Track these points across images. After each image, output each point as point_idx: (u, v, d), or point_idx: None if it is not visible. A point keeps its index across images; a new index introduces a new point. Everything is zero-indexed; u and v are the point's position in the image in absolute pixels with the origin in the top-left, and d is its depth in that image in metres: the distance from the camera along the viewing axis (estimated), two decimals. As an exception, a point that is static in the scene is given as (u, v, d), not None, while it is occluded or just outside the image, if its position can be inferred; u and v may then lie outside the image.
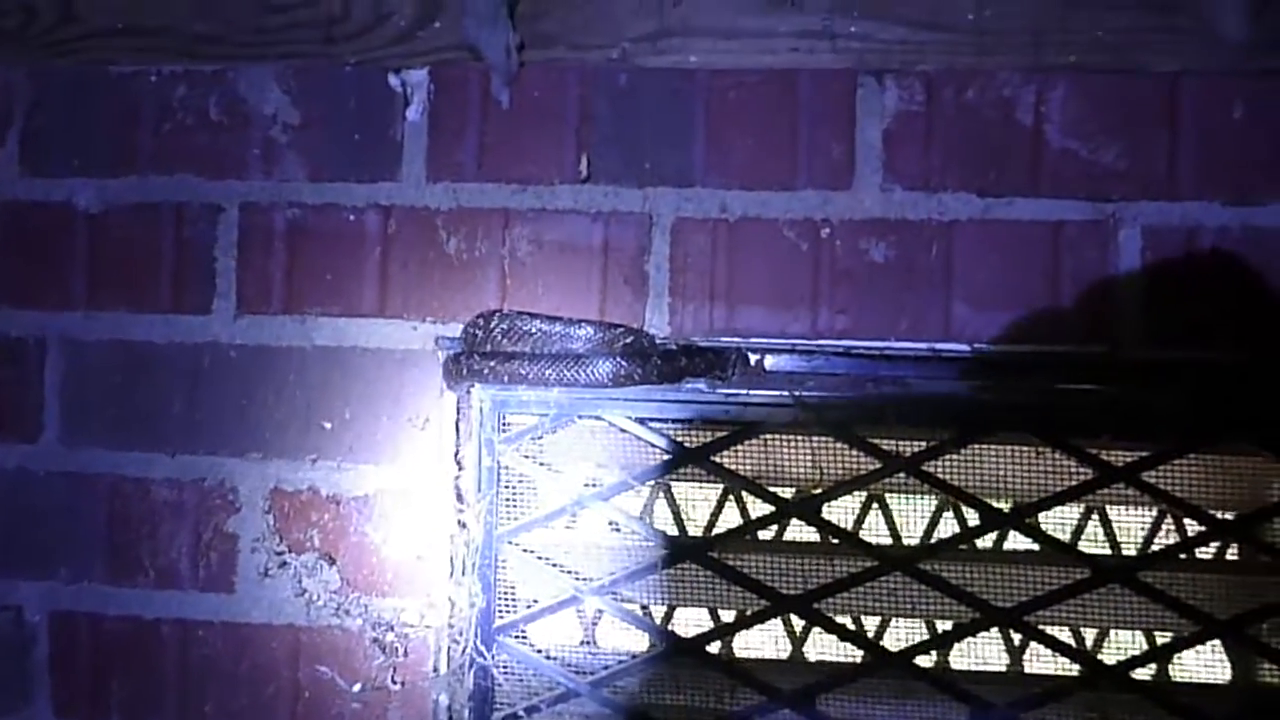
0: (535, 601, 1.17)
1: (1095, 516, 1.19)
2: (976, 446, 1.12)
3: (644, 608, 1.19)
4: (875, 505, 1.20)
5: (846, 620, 1.15)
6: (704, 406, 1.12)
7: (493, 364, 1.10)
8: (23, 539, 1.24)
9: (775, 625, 1.19)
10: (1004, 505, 1.13)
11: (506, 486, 1.15)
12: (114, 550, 1.22)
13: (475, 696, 1.14)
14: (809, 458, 1.15)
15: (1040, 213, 1.12)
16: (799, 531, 1.18)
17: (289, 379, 1.20)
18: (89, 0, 1.24)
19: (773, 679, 1.14)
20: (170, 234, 1.23)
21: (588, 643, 1.21)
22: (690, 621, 1.23)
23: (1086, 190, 1.11)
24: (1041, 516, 1.12)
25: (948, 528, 1.18)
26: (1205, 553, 1.14)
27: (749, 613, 1.15)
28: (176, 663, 1.21)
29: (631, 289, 1.16)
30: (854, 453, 1.12)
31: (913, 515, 1.20)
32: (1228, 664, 1.17)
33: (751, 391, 1.11)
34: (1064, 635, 1.15)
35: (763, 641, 1.23)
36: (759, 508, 1.15)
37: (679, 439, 1.13)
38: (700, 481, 1.21)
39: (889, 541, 1.19)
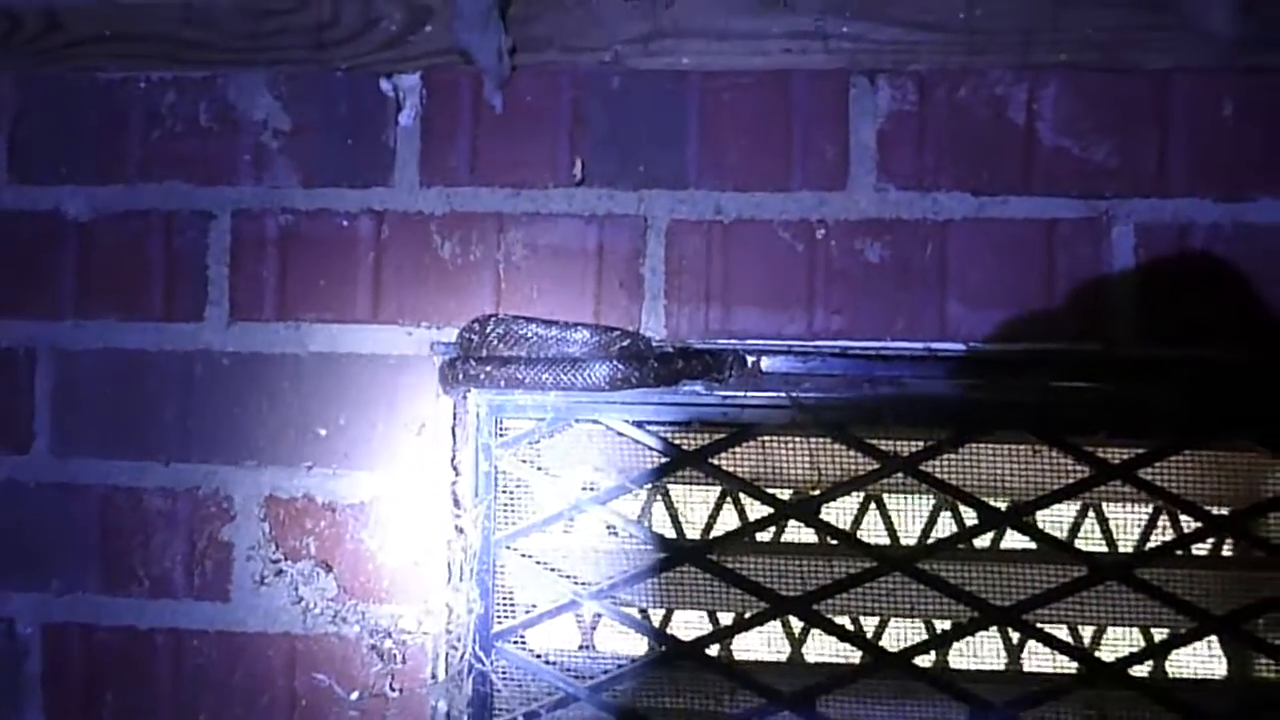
0: (533, 607, 1.17)
1: (1091, 514, 1.20)
2: (973, 446, 1.12)
3: (642, 611, 1.19)
4: (873, 505, 1.20)
5: (845, 621, 1.15)
6: (701, 409, 1.12)
7: (489, 368, 1.10)
8: (14, 550, 1.22)
9: (773, 627, 1.18)
10: (1001, 504, 1.13)
11: (504, 491, 1.15)
12: (107, 560, 1.21)
13: (474, 703, 1.14)
14: (806, 459, 1.15)
15: (1034, 211, 1.12)
16: (797, 533, 1.18)
17: (283, 386, 1.19)
18: (74, 9, 1.23)
19: (772, 681, 1.13)
20: (161, 241, 1.22)
21: (586, 647, 1.21)
22: (688, 624, 1.23)
23: (1079, 188, 1.12)
24: (1038, 514, 1.12)
25: (945, 527, 1.18)
26: (1201, 549, 1.14)
27: (748, 615, 1.14)
28: (171, 673, 1.20)
29: (627, 292, 1.16)
30: (851, 453, 1.12)
31: (910, 515, 1.20)
32: (1223, 660, 1.17)
33: (748, 393, 1.11)
34: (1061, 633, 1.15)
35: (761, 644, 1.23)
36: (757, 510, 1.14)
37: (676, 442, 1.13)
38: (697, 484, 1.21)
39: (886, 542, 1.19)
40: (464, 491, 1.16)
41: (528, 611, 1.16)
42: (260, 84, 1.21)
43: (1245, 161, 1.10)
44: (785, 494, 1.15)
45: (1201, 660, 1.16)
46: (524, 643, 1.17)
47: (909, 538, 1.19)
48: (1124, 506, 1.19)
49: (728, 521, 1.20)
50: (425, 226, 1.18)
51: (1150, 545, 1.16)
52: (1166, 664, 1.16)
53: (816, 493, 1.13)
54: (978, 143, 1.13)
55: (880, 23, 1.14)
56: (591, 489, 1.17)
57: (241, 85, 1.21)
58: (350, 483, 1.18)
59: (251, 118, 1.21)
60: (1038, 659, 1.17)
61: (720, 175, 1.15)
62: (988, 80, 1.13)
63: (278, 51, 1.20)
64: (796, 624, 1.21)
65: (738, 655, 1.21)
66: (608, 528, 1.19)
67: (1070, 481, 1.10)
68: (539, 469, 1.16)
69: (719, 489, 1.21)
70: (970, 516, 1.13)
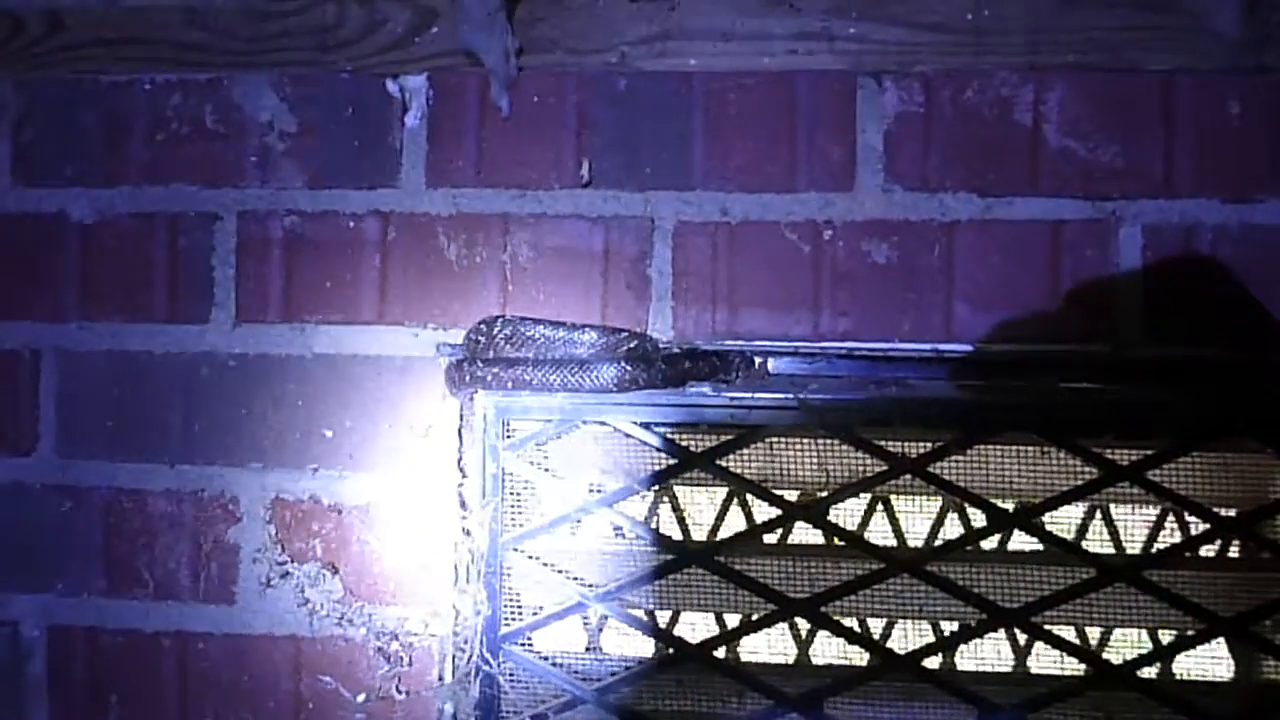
0: (540, 609, 1.17)
1: (1098, 516, 1.20)
2: (980, 447, 1.12)
3: (649, 613, 1.18)
4: (879, 507, 1.20)
5: (852, 623, 1.15)
6: (708, 410, 1.12)
7: (496, 370, 1.10)
8: (19, 553, 1.22)
9: (780, 628, 1.18)
10: (1009, 505, 1.13)
11: (511, 493, 1.15)
12: (112, 563, 1.21)
13: (481, 705, 1.14)
14: (814, 460, 1.15)
15: (1040, 212, 1.12)
16: (804, 535, 1.18)
17: (289, 388, 1.19)
18: (78, 11, 1.23)
19: (778, 683, 1.13)
20: (166, 244, 1.21)
21: (593, 649, 1.21)
22: (694, 626, 1.22)
23: (1086, 189, 1.12)
24: (1044, 516, 1.12)
25: (952, 529, 1.18)
26: (1208, 550, 1.14)
27: (755, 617, 1.14)
28: (176, 676, 1.20)
29: (633, 293, 1.16)
30: (858, 455, 1.12)
31: (917, 517, 1.20)
32: (1230, 661, 1.17)
33: (755, 394, 1.11)
34: (1068, 635, 1.15)
35: (767, 645, 1.23)
36: (763, 511, 1.14)
37: (683, 443, 1.13)
38: (704, 485, 1.21)
39: (893, 543, 1.19)
40: (471, 493, 1.15)
41: (535, 614, 1.16)
42: (265, 86, 1.21)
43: (1252, 162, 1.10)
44: (792, 495, 1.15)
45: (1208, 662, 1.16)
46: (530, 645, 1.17)
47: (916, 539, 1.19)
48: (1131, 508, 1.19)
49: (734, 523, 1.20)
50: (431, 228, 1.18)
51: (1157, 547, 1.16)
52: (1173, 666, 1.16)
53: (824, 494, 1.13)
54: (984, 144, 1.13)
55: (886, 24, 1.13)
56: (598, 491, 1.17)
57: (246, 87, 1.21)
58: (356, 485, 1.18)
59: (256, 119, 1.21)
60: (1044, 660, 1.18)
61: (726, 176, 1.15)
62: (994, 81, 1.13)
63: (282, 53, 1.20)
64: (803, 626, 1.21)
65: (744, 657, 1.21)
66: (614, 529, 1.19)
67: (1078, 483, 1.10)
68: (546, 471, 1.16)
69: (725, 490, 1.21)
70: (978, 518, 1.13)
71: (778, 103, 1.15)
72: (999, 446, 1.13)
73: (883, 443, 1.11)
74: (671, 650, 1.14)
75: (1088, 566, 1.10)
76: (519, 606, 1.16)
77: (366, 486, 1.18)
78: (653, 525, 1.20)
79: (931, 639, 1.15)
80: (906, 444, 1.12)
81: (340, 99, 1.20)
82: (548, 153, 1.17)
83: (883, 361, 1.12)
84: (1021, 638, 1.18)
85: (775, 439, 1.15)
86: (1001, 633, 1.16)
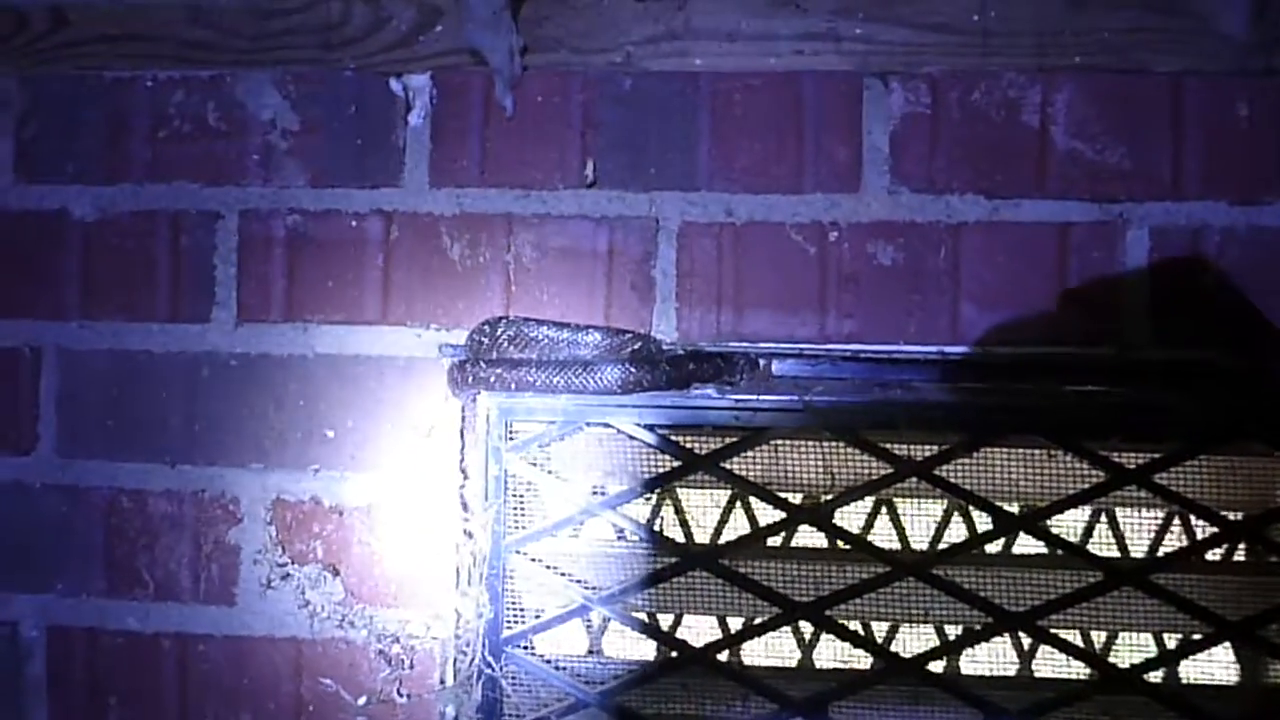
0: (541, 612, 1.16)
1: (1104, 519, 1.19)
2: (986, 450, 1.11)
3: (651, 616, 1.18)
4: (883, 510, 1.20)
5: (856, 627, 1.14)
6: (712, 412, 1.11)
7: (499, 371, 1.09)
8: (18, 553, 1.21)
9: (782, 632, 1.17)
10: (1014, 508, 1.12)
11: (513, 495, 1.14)
12: (112, 563, 1.20)
13: (483, 708, 1.13)
14: (818, 463, 1.14)
15: (1047, 214, 1.11)
16: (808, 538, 1.17)
17: (290, 388, 1.18)
18: (81, 7, 1.22)
19: (781, 687, 1.12)
20: (167, 242, 1.21)
21: (595, 652, 1.20)
22: (696, 629, 1.22)
23: (1093, 191, 1.11)
24: (1049, 519, 1.11)
25: (956, 532, 1.17)
26: (1215, 554, 1.14)
27: (758, 620, 1.14)
28: (176, 677, 1.19)
29: (638, 294, 1.15)
30: (864, 457, 1.12)
31: (921, 520, 1.20)
32: (1235, 665, 1.17)
33: (760, 397, 1.10)
34: (1073, 638, 1.14)
35: (764, 648, 1.22)
36: (767, 514, 1.14)
37: (688, 445, 1.12)
38: (707, 488, 1.21)
39: (897, 547, 1.19)
40: (473, 495, 1.15)
41: (537, 616, 1.15)
42: (268, 84, 1.20)
43: (1260, 165, 1.10)
44: (797, 498, 1.15)
45: (1212, 665, 1.16)
46: (532, 648, 1.16)
47: (920, 542, 1.18)
48: (1137, 511, 1.18)
49: (737, 526, 1.20)
50: (435, 227, 1.17)
51: (1163, 550, 1.15)
52: (1178, 669, 1.15)
53: (830, 497, 1.12)
54: (991, 145, 1.12)
55: (892, 24, 1.13)
56: (601, 493, 1.17)
57: (249, 85, 1.20)
58: (358, 486, 1.17)
59: (259, 118, 1.20)
60: (1048, 664, 1.17)
61: (732, 177, 1.14)
62: (1001, 83, 1.12)
63: (286, 51, 1.19)
64: (806, 629, 1.20)
65: (747, 660, 1.20)
66: (617, 532, 1.18)
67: (1085, 486, 1.09)
68: (548, 472, 1.15)
69: (728, 493, 1.21)
70: (984, 521, 1.12)
71: (784, 103, 1.14)
72: (1005, 449, 1.12)
73: (888, 445, 1.10)
74: (674, 653, 1.14)
75: (1094, 570, 1.09)
76: (521, 609, 1.15)
77: (368, 488, 1.17)
78: (655, 528, 1.19)
79: (935, 642, 1.14)
80: (912, 447, 1.12)
81: (343, 97, 1.19)
82: (552, 152, 1.16)
83: (888, 364, 1.12)
84: (1026, 641, 1.17)
85: (779, 441, 1.15)
86: (1006, 636, 1.16)
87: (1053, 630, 1.10)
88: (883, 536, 1.18)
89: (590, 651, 1.20)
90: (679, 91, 1.15)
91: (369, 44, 1.18)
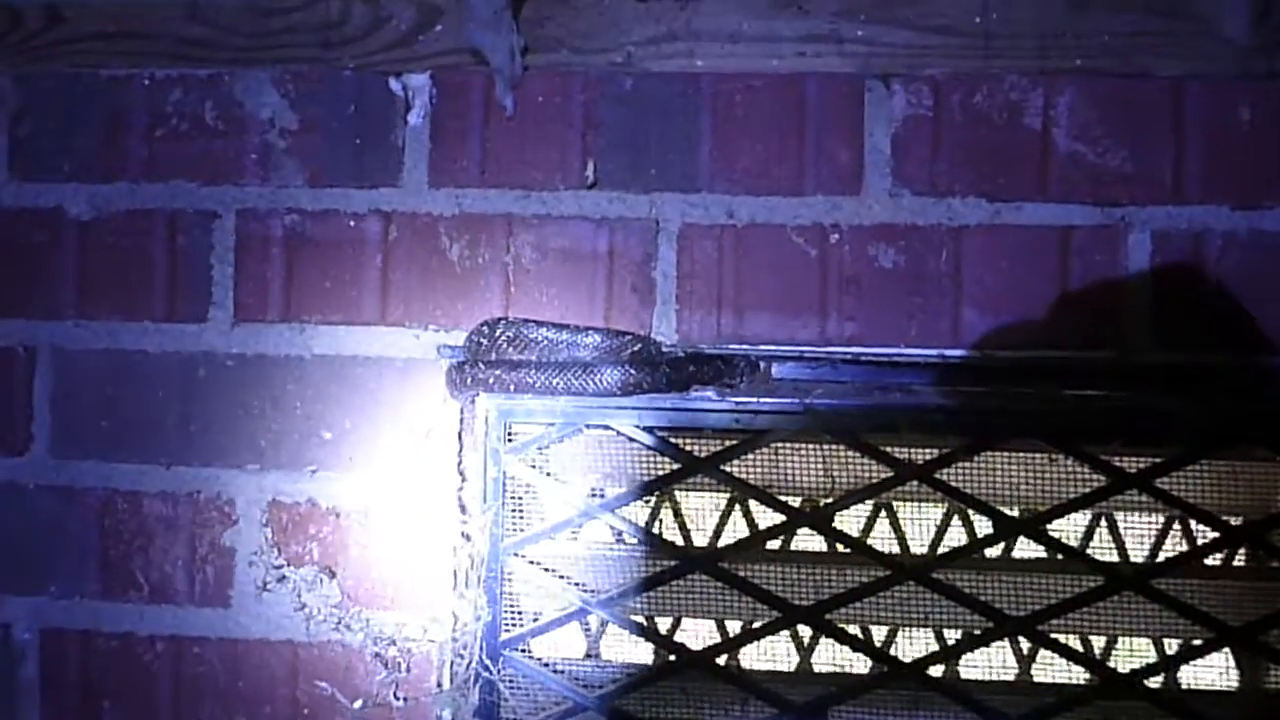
0: (539, 615, 1.15)
1: (1103, 523, 1.19)
2: (987, 454, 1.11)
3: (649, 619, 1.17)
4: (883, 513, 1.19)
5: (855, 630, 1.14)
6: (712, 415, 1.10)
7: (498, 372, 1.09)
8: (12, 554, 1.20)
9: (781, 636, 1.17)
10: (1015, 513, 1.12)
11: (512, 497, 1.13)
12: (106, 565, 1.19)
13: (480, 712, 1.12)
14: (818, 466, 1.14)
15: (1049, 217, 1.11)
16: (807, 541, 1.17)
17: (287, 389, 1.17)
18: (77, 4, 1.21)
19: (780, 691, 1.12)
20: (164, 241, 1.20)
21: (593, 655, 1.20)
22: (695, 633, 1.21)
23: (1095, 194, 1.11)
24: (1050, 524, 1.11)
25: (956, 536, 1.17)
26: (1215, 559, 1.13)
27: (757, 624, 1.13)
28: (171, 681, 1.18)
29: (638, 296, 1.14)
30: (864, 460, 1.11)
31: (920, 524, 1.19)
32: (1234, 670, 1.16)
33: (760, 399, 1.10)
34: (1073, 643, 1.14)
35: (758, 652, 1.22)
36: (767, 517, 1.13)
37: (687, 448, 1.12)
38: (705, 490, 1.20)
39: (897, 550, 1.18)
40: (471, 497, 1.14)
41: (535, 619, 1.14)
42: (267, 82, 1.19)
43: (1262, 168, 1.10)
44: (796, 501, 1.14)
45: (1211, 670, 1.15)
46: (530, 651, 1.15)
47: (920, 546, 1.18)
48: (1137, 516, 1.18)
49: (737, 529, 1.19)
50: (434, 228, 1.17)
51: (1163, 555, 1.15)
52: (1178, 674, 1.15)
53: (831, 500, 1.12)
54: (993, 148, 1.12)
55: (895, 26, 1.13)
56: (600, 495, 1.16)
57: (248, 84, 1.19)
58: (355, 487, 1.16)
59: (257, 116, 1.19)
60: (1048, 669, 1.17)
61: (733, 178, 1.14)
62: (1003, 85, 1.12)
63: (285, 50, 1.19)
64: (805, 633, 1.19)
65: (744, 664, 1.20)
66: (616, 535, 1.17)
67: (1086, 491, 1.09)
68: (547, 475, 1.15)
69: (727, 496, 1.20)
70: (983, 525, 1.12)
71: (785, 105, 1.14)
72: (1005, 453, 1.12)
73: (888, 449, 1.10)
74: (673, 657, 1.13)
75: (1096, 575, 1.09)
76: (519, 612, 1.15)
77: (365, 489, 1.16)
78: (654, 530, 1.18)
79: (935, 647, 1.13)
80: (912, 450, 1.11)
81: (342, 97, 1.18)
82: (552, 153, 1.16)
83: (889, 367, 1.12)
84: (1026, 646, 1.17)
85: (779, 444, 1.14)
86: (1005, 641, 1.15)
87: (1053, 635, 1.10)
88: (882, 540, 1.18)
89: (588, 655, 1.20)
90: (680, 92, 1.15)
91: (368, 43, 1.18)
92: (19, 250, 1.22)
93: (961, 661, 1.16)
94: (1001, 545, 1.15)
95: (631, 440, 1.11)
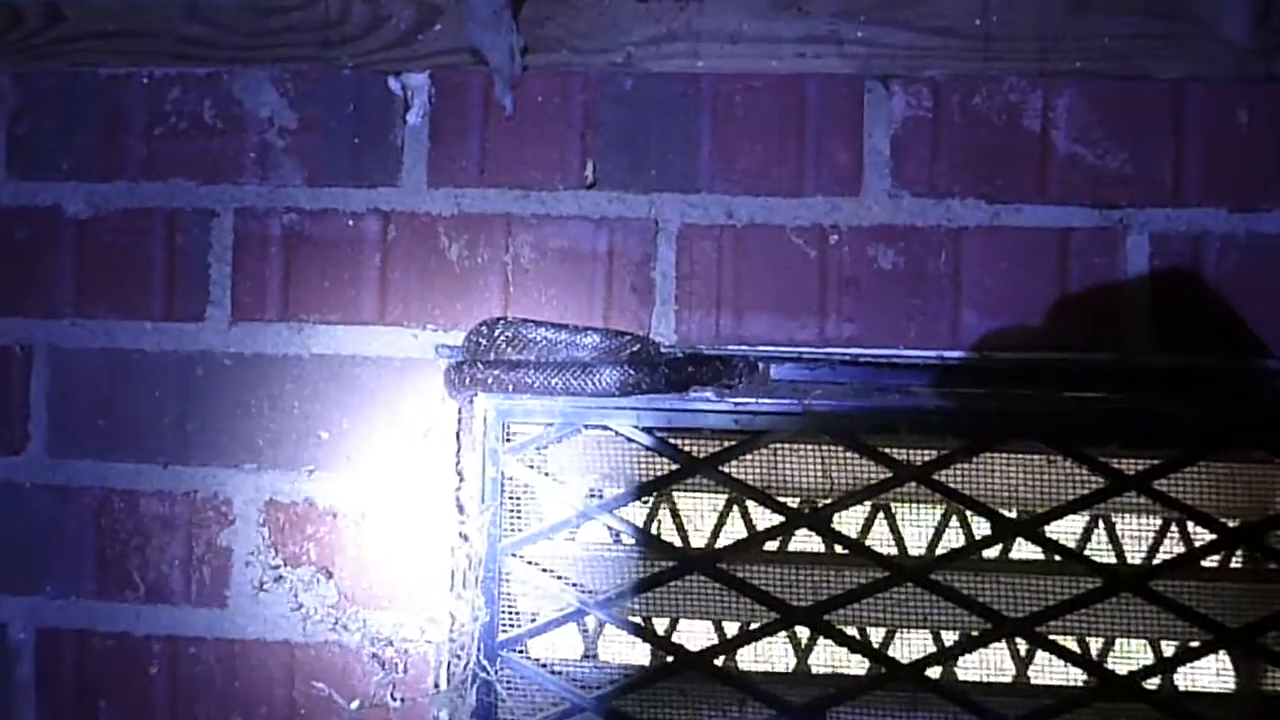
0: (537, 615, 1.15)
1: (1101, 525, 1.19)
2: (986, 455, 1.11)
3: (647, 620, 1.17)
4: (881, 515, 1.19)
5: (853, 631, 1.14)
6: (711, 415, 1.10)
7: (497, 372, 1.08)
8: (8, 554, 1.20)
9: (778, 636, 1.17)
10: (1013, 514, 1.12)
11: (510, 497, 1.13)
12: (103, 565, 1.19)
13: (478, 713, 1.12)
14: (817, 467, 1.14)
15: (1048, 219, 1.11)
16: (805, 542, 1.16)
17: (285, 388, 1.17)
18: (77, 3, 1.21)
19: (778, 692, 1.12)
20: (162, 240, 1.20)
21: (591, 656, 1.19)
22: (692, 634, 1.21)
23: (1094, 196, 1.11)
24: (1048, 525, 1.11)
25: (954, 537, 1.17)
26: (1213, 560, 1.13)
27: (755, 625, 1.13)
28: (167, 681, 1.18)
29: (637, 296, 1.14)
30: (862, 462, 1.11)
31: (918, 525, 1.19)
32: (1230, 671, 1.16)
33: (759, 400, 1.10)
34: (1070, 644, 1.13)
35: (760, 654, 1.22)
36: (765, 518, 1.13)
37: (686, 448, 1.11)
38: (703, 491, 1.20)
39: (894, 551, 1.18)
40: (469, 497, 1.14)
41: (533, 620, 1.14)
42: (266, 81, 1.19)
43: (1261, 171, 1.10)
44: (795, 502, 1.14)
45: (1209, 672, 1.15)
46: (527, 652, 1.15)
47: (918, 547, 1.18)
48: (1134, 518, 1.18)
49: (734, 530, 1.19)
50: (433, 227, 1.17)
51: (1161, 557, 1.15)
52: (1174, 677, 1.15)
53: (830, 501, 1.12)
54: (992, 150, 1.12)
55: (894, 27, 1.13)
56: (598, 495, 1.16)
57: (247, 82, 1.19)
58: (353, 487, 1.16)
59: (256, 115, 1.19)
60: (1045, 670, 1.17)
61: (732, 179, 1.14)
62: (1003, 87, 1.12)
63: (284, 49, 1.19)
64: (802, 634, 1.19)
65: (741, 665, 1.19)
66: (614, 535, 1.17)
67: (1084, 492, 1.09)
68: (546, 475, 1.14)
69: (725, 496, 1.20)
70: (982, 527, 1.12)
71: (785, 106, 1.14)
72: (1004, 454, 1.12)
73: (887, 450, 1.10)
74: (670, 658, 1.13)
75: (1094, 576, 1.09)
76: (516, 613, 1.14)
77: (363, 489, 1.16)
78: (652, 531, 1.18)
79: (932, 647, 1.13)
80: (911, 451, 1.11)
81: (341, 96, 1.18)
82: (552, 153, 1.16)
83: (888, 368, 1.12)
84: (1023, 647, 1.17)
85: (778, 445, 1.14)
86: (1003, 642, 1.15)
87: (1050, 636, 1.10)
88: (880, 541, 1.18)
89: (586, 656, 1.19)
90: (680, 93, 1.15)
91: (368, 42, 1.18)
92: (16, 249, 1.21)
93: (959, 663, 1.16)
94: (999, 546, 1.15)
95: (630, 441, 1.11)
